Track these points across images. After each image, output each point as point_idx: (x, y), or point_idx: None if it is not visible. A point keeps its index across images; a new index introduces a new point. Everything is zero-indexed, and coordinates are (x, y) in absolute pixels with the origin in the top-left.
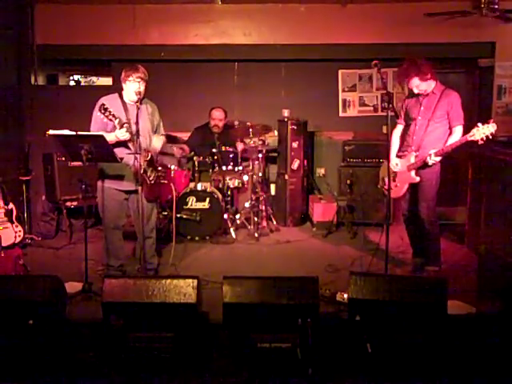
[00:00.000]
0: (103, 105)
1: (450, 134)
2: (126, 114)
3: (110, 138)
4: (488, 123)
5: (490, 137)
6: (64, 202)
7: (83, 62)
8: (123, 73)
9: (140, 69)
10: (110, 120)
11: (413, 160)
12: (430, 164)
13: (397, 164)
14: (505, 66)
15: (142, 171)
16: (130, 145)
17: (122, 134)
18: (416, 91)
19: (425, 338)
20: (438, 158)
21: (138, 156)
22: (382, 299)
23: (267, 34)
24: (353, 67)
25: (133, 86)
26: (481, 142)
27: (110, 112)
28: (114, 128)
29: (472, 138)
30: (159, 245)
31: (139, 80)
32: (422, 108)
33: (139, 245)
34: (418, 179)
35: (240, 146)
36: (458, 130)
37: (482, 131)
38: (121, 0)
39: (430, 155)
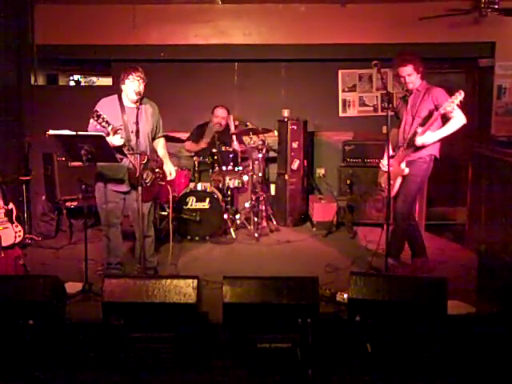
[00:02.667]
0: (96, 111)
1: (440, 127)
2: (122, 116)
3: None
4: (456, 93)
5: (460, 104)
6: (64, 202)
7: (83, 62)
8: (122, 74)
9: (139, 69)
10: (103, 127)
11: (401, 153)
12: (418, 143)
13: (384, 165)
14: (505, 66)
15: (137, 174)
16: (124, 150)
17: (117, 141)
18: (404, 80)
19: (425, 338)
20: (426, 138)
21: (137, 156)
22: (382, 299)
23: (267, 34)
24: (353, 67)
25: (132, 85)
26: (453, 112)
27: (103, 119)
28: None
29: (444, 111)
30: (159, 245)
31: (139, 79)
32: (408, 107)
33: (139, 244)
34: (407, 170)
35: (236, 146)
36: (457, 114)
37: (452, 101)
38: (121, 0)
39: (416, 135)
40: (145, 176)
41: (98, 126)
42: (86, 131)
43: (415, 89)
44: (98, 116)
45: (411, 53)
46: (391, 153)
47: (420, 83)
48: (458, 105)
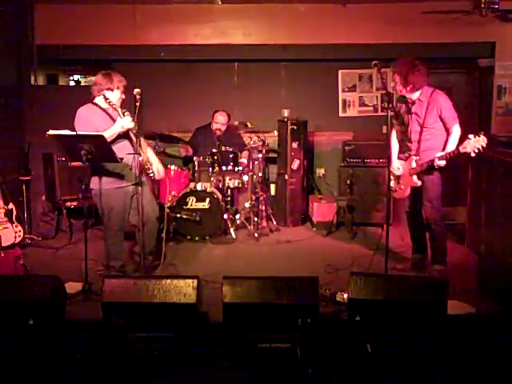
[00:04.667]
0: (106, 98)
1: (448, 134)
2: (111, 120)
3: (115, 130)
4: (479, 136)
5: (482, 150)
6: (64, 202)
7: (83, 62)
8: (110, 80)
9: (120, 75)
10: (115, 109)
11: (414, 165)
12: (435, 167)
13: (398, 168)
14: (505, 66)
15: (142, 168)
16: (131, 133)
17: (128, 122)
18: (392, 84)
19: (425, 338)
20: (443, 162)
21: (137, 156)
22: (382, 299)
23: (267, 33)
24: (353, 67)
25: (119, 94)
26: (473, 155)
27: (112, 105)
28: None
29: (464, 151)
30: (159, 245)
31: (123, 89)
32: (413, 116)
33: (139, 241)
34: (419, 183)
35: (245, 154)
36: (455, 130)
37: (473, 144)
38: (121, 0)
39: (434, 160)
40: (148, 165)
41: (111, 110)
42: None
43: (417, 98)
44: (109, 102)
45: (408, 66)
46: (397, 150)
47: (421, 92)
48: (478, 148)
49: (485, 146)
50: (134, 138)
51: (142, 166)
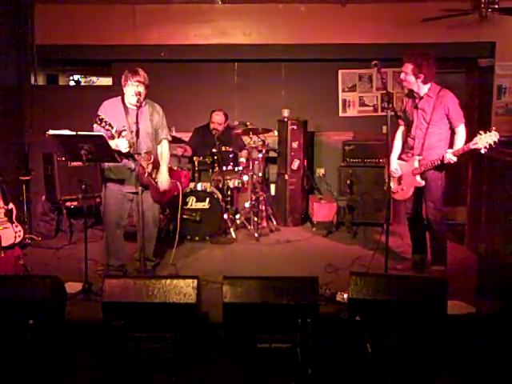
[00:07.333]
0: (98, 116)
1: (454, 134)
2: (126, 118)
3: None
4: (490, 131)
5: (494, 145)
6: (64, 202)
7: (83, 62)
8: (123, 77)
9: (139, 72)
10: (107, 130)
11: (416, 164)
12: (446, 162)
13: (396, 169)
14: (505, 66)
15: (146, 175)
16: (131, 152)
17: (123, 144)
18: (402, 76)
19: (425, 338)
20: (455, 158)
21: (138, 157)
22: (382, 299)
23: (267, 34)
24: (353, 67)
25: (132, 89)
26: (484, 151)
27: (105, 122)
28: (113, 136)
29: (475, 147)
30: (159, 245)
31: (137, 84)
32: (419, 111)
33: (139, 244)
34: (423, 183)
35: (244, 154)
36: (461, 130)
37: (485, 140)
38: (121, 0)
39: (444, 157)
40: (154, 175)
41: (103, 130)
42: (87, 129)
43: (425, 94)
44: (101, 120)
45: (421, 54)
46: (399, 151)
47: (429, 88)
48: (491, 144)
49: (497, 141)
50: (133, 153)
51: (144, 171)
